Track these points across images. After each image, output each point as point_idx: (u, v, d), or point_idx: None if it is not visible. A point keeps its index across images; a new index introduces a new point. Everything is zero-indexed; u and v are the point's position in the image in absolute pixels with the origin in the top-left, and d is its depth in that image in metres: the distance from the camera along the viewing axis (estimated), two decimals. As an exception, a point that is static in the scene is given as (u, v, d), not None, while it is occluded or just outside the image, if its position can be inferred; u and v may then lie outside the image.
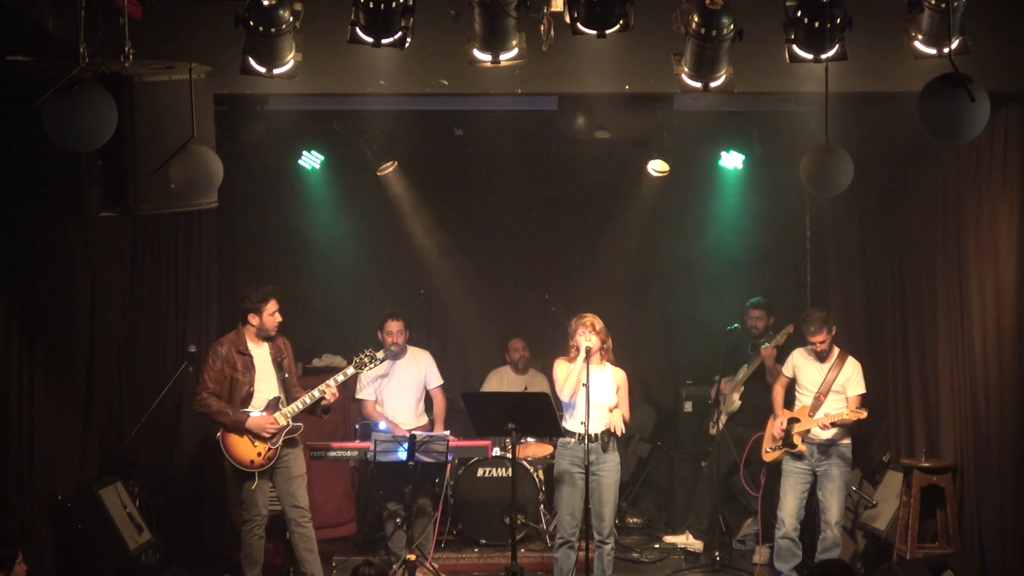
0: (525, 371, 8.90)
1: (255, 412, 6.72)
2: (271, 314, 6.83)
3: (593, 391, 6.50)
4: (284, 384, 6.85)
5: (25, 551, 5.46)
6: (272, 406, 6.76)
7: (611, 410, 6.69)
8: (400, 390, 7.79)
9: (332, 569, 7.63)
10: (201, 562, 7.54)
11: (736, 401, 8.26)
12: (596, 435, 6.61)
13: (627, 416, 6.79)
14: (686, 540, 8.33)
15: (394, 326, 7.66)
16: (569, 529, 6.71)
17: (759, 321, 8.33)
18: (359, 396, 7.85)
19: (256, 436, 6.70)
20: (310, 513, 6.90)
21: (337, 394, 6.88)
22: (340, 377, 6.91)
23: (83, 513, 6.58)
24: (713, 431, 8.22)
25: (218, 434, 6.77)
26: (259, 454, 6.71)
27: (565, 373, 6.70)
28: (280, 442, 6.74)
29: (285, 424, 6.74)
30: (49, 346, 6.56)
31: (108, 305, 7.24)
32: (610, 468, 6.69)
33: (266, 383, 6.82)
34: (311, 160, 8.87)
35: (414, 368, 7.86)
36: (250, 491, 6.72)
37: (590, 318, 6.71)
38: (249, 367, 6.79)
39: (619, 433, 6.66)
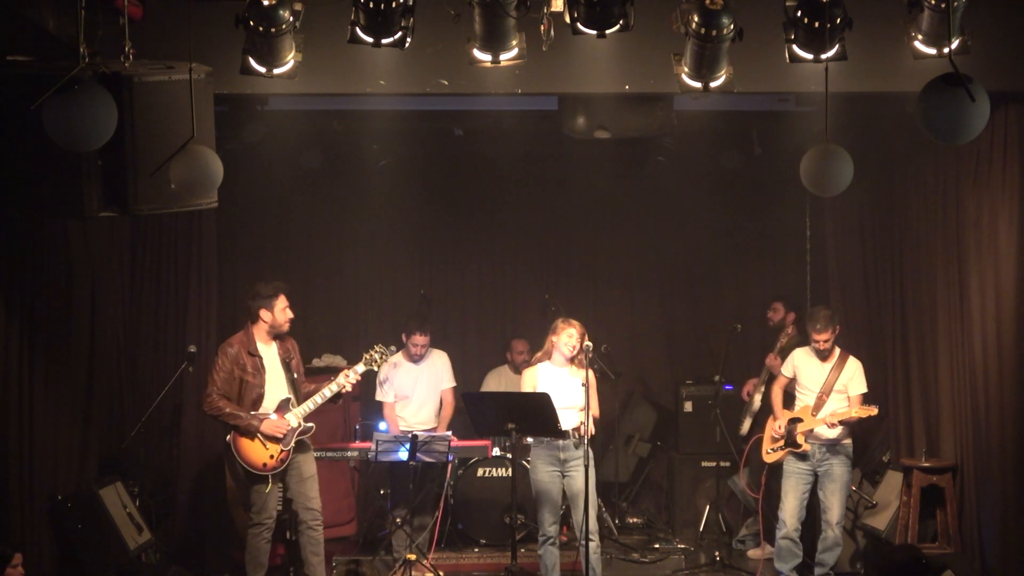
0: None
1: (267, 414, 6.63)
2: (283, 309, 6.73)
3: (561, 395, 6.59)
4: (293, 384, 6.75)
5: (25, 551, 5.45)
6: (283, 407, 6.67)
7: (580, 410, 6.63)
8: (420, 391, 7.83)
9: (332, 569, 7.61)
10: (201, 562, 7.54)
11: (757, 401, 8.24)
12: (567, 432, 6.61)
13: (596, 413, 6.73)
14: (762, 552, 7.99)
15: (420, 339, 7.77)
16: (547, 526, 6.72)
17: (774, 314, 8.35)
18: (379, 398, 7.87)
19: (268, 438, 6.59)
20: (322, 516, 6.84)
21: (348, 389, 6.80)
22: (352, 375, 6.76)
23: (83, 513, 6.58)
24: (743, 431, 8.22)
25: (228, 436, 6.64)
26: (272, 456, 6.59)
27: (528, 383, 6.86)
28: (292, 443, 6.63)
29: (297, 425, 6.66)
30: (49, 346, 6.55)
31: (108, 305, 7.22)
32: (583, 465, 6.59)
33: (276, 384, 6.72)
34: (311, 160, 8.87)
35: (432, 370, 7.90)
36: (262, 495, 6.62)
37: (560, 322, 6.87)
38: (259, 369, 6.67)
39: (588, 434, 6.51)
